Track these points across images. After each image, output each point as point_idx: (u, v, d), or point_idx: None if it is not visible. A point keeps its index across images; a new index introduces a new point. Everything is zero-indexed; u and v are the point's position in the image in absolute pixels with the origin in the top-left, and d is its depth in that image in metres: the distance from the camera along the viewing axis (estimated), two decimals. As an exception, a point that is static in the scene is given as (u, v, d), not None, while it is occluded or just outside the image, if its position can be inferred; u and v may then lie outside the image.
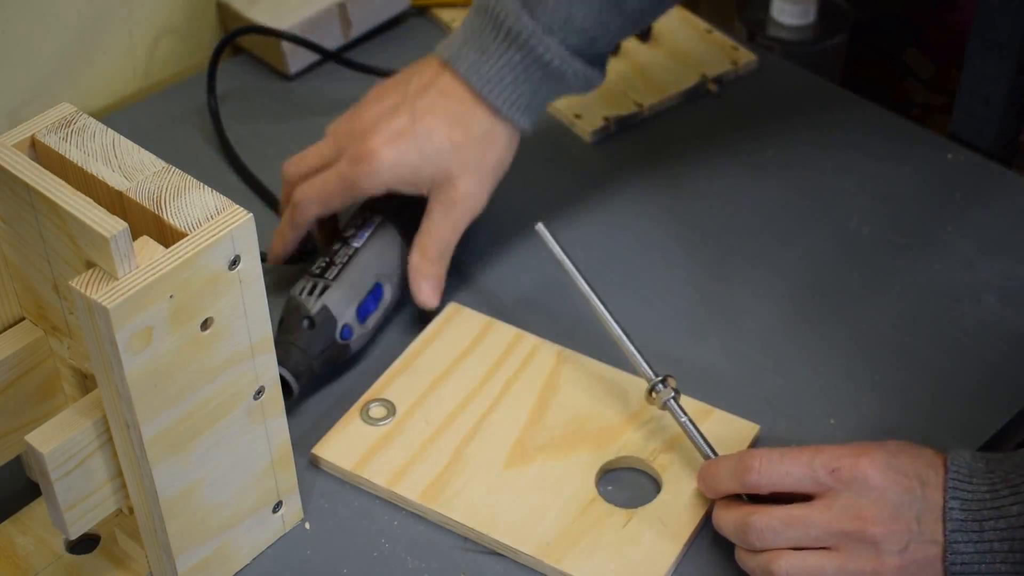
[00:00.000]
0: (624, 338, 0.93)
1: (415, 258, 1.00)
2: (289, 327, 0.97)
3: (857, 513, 0.81)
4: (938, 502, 0.80)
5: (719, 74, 1.25)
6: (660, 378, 0.92)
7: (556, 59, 0.98)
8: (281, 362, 0.93)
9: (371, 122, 1.00)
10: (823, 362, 0.99)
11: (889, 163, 1.17)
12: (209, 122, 1.21)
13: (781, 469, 0.84)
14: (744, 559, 0.85)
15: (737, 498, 0.87)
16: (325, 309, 0.97)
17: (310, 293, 0.98)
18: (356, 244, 1.01)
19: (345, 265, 0.99)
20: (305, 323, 0.96)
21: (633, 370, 0.96)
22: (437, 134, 0.98)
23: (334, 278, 0.98)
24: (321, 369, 0.97)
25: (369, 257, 1.00)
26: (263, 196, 1.13)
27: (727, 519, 0.86)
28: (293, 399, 0.95)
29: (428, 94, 1.00)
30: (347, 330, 0.98)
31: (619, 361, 0.98)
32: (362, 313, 0.99)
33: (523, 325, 1.02)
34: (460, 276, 1.07)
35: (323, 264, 1.00)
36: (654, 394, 0.92)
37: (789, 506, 0.83)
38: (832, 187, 1.15)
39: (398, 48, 1.28)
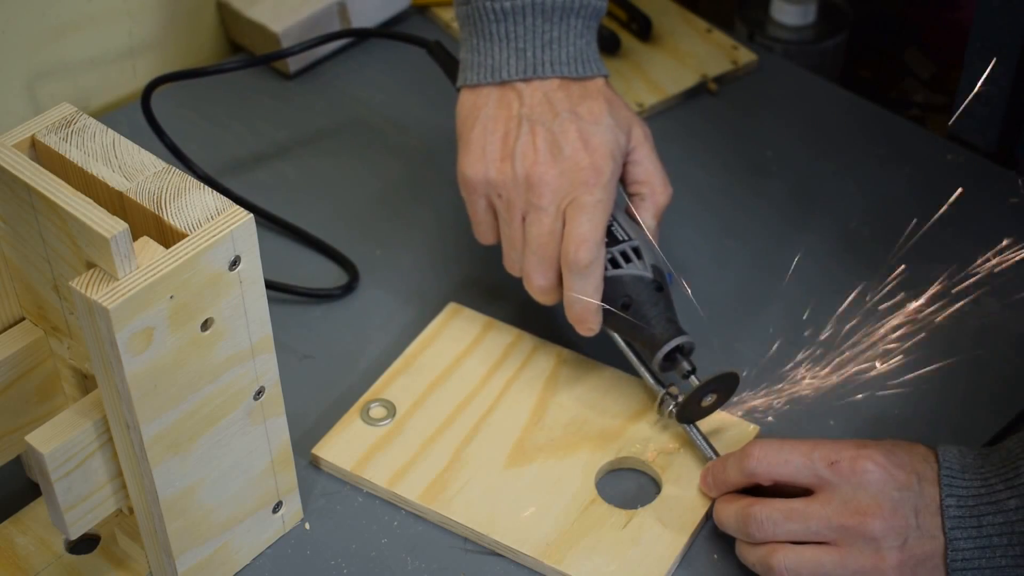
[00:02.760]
0: (629, 352, 0.95)
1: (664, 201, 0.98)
2: (641, 302, 0.93)
3: (857, 508, 0.81)
4: (934, 496, 0.81)
5: (719, 74, 1.25)
6: (666, 390, 0.93)
7: None
8: (671, 336, 0.91)
9: (545, 163, 0.93)
10: (823, 363, 0.99)
11: (889, 163, 1.17)
12: (209, 123, 1.21)
13: (780, 457, 0.85)
14: (744, 552, 0.86)
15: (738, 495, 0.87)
16: (655, 268, 0.94)
17: (629, 260, 0.94)
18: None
19: (621, 224, 0.96)
20: (654, 287, 0.93)
21: (634, 371, 0.96)
22: (602, 121, 0.95)
23: (630, 238, 0.95)
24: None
25: (620, 213, 0.97)
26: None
27: (728, 512, 0.86)
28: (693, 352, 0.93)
29: (549, 106, 0.95)
30: (670, 275, 0.96)
31: (619, 362, 0.98)
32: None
33: (523, 325, 1.02)
34: (460, 276, 1.07)
35: (611, 236, 0.95)
36: (662, 406, 0.93)
37: (789, 499, 0.84)
38: (832, 187, 1.15)
39: (399, 47, 1.28)
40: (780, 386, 0.97)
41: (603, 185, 0.92)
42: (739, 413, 0.96)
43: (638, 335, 0.93)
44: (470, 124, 0.96)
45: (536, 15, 0.94)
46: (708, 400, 0.92)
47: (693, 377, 0.92)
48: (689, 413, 0.92)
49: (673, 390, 0.92)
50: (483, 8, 0.95)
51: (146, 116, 1.12)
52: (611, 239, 0.94)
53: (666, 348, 0.91)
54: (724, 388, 0.92)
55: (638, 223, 0.97)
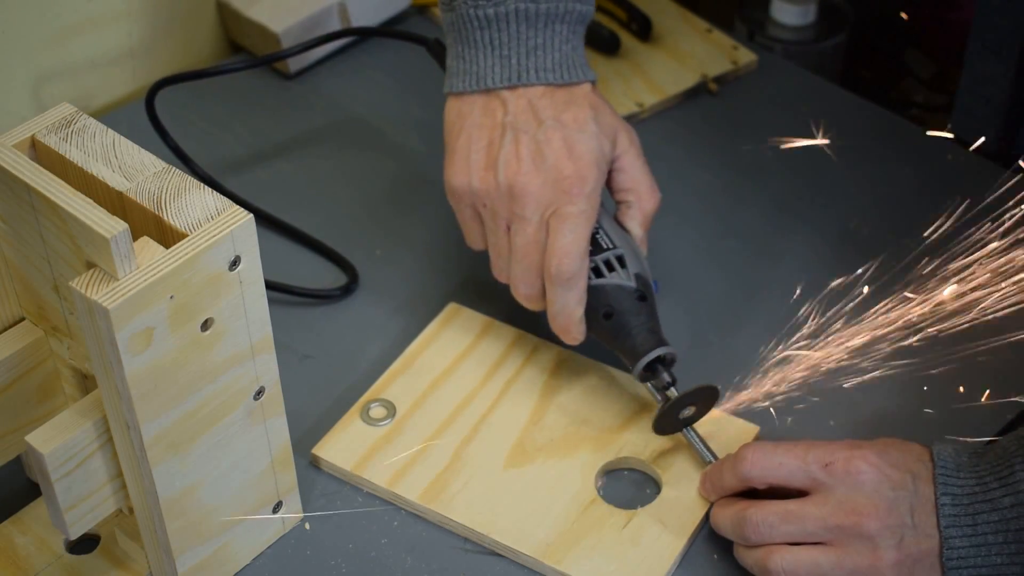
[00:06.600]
0: None
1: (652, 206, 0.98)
2: (623, 312, 0.92)
3: (852, 508, 0.82)
4: (929, 495, 0.81)
5: (719, 74, 1.25)
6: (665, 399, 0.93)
7: (585, 2, 0.96)
8: (651, 347, 0.91)
9: (529, 171, 0.93)
10: (822, 363, 0.99)
11: (889, 163, 1.17)
12: (208, 123, 1.21)
13: (774, 460, 0.85)
14: (742, 555, 0.86)
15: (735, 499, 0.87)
16: (638, 277, 0.94)
17: (612, 269, 0.93)
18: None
19: (606, 232, 0.95)
20: (636, 296, 0.93)
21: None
22: (587, 129, 0.94)
23: (614, 246, 0.94)
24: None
25: (606, 220, 0.97)
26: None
27: (724, 515, 0.87)
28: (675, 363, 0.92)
29: (533, 114, 0.94)
30: (656, 283, 0.96)
31: (619, 363, 0.98)
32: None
33: (523, 325, 1.02)
34: (460, 276, 1.07)
35: (595, 244, 0.94)
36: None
37: (785, 501, 0.84)
38: (832, 187, 1.15)
39: (398, 47, 1.28)
40: (779, 384, 0.98)
41: (586, 195, 0.92)
42: (743, 407, 0.96)
43: (620, 345, 0.93)
44: (456, 132, 0.96)
45: (520, 22, 0.94)
46: (686, 413, 0.92)
47: (672, 389, 0.92)
48: (666, 425, 0.92)
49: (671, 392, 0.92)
50: (467, 15, 0.94)
51: (151, 118, 1.12)
52: (595, 247, 0.94)
53: (645, 359, 0.91)
54: (703, 401, 0.92)
55: (625, 230, 0.97)
